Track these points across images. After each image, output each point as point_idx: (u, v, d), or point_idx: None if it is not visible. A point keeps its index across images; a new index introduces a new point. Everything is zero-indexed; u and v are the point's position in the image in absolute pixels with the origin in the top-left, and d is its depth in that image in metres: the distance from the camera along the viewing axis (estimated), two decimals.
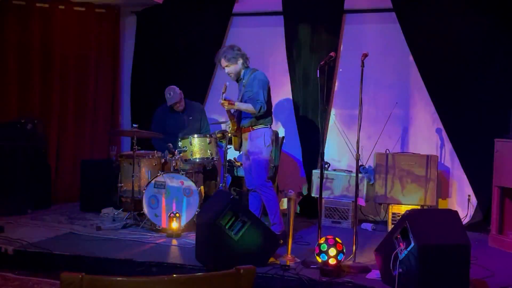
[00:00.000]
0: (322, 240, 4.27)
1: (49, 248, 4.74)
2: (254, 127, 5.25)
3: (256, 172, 5.23)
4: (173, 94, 6.34)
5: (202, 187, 6.06)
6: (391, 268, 3.90)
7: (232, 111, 5.30)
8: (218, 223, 4.26)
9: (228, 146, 5.90)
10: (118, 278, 1.65)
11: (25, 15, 6.98)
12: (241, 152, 5.47)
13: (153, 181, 5.58)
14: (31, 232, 5.36)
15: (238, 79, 5.42)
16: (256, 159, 5.22)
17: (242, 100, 5.26)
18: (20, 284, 4.25)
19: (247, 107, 5.17)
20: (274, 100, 5.56)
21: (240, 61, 5.31)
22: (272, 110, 5.47)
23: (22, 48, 6.97)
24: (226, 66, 5.34)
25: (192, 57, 7.24)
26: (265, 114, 5.24)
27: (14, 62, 6.91)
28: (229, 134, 5.38)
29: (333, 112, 6.85)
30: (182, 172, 5.64)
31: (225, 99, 5.04)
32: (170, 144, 5.93)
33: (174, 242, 5.19)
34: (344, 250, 4.25)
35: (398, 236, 3.92)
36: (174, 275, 1.74)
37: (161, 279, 1.70)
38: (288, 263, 4.36)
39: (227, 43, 7.26)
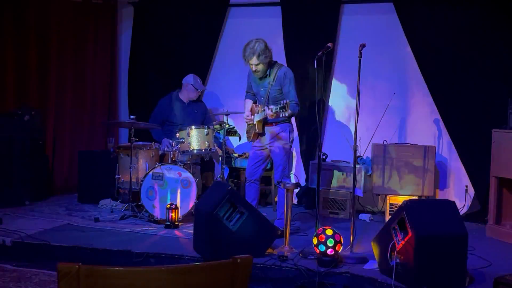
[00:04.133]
0: (319, 231, 4.27)
1: (47, 239, 4.74)
2: (278, 122, 5.18)
3: (281, 166, 5.18)
4: (201, 82, 6.53)
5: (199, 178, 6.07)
6: (388, 258, 3.91)
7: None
8: (216, 214, 4.27)
9: (226, 138, 5.90)
10: (114, 268, 1.66)
11: (22, 6, 6.94)
12: (253, 142, 5.36)
13: (150, 173, 5.57)
14: (29, 224, 5.36)
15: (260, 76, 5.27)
16: (281, 153, 5.18)
17: (269, 97, 5.16)
18: (18, 276, 4.26)
19: (290, 113, 4.93)
20: None
21: (269, 57, 5.13)
22: None
23: (19, 39, 6.93)
24: (257, 64, 5.09)
25: (189, 48, 7.22)
26: None
27: (11, 53, 6.87)
28: (250, 139, 5.35)
29: (330, 103, 6.84)
30: (179, 164, 5.64)
31: (275, 112, 4.78)
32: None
33: (172, 233, 5.20)
34: (342, 241, 4.26)
35: (396, 227, 3.92)
36: (173, 265, 1.74)
37: (158, 269, 1.70)
38: (286, 254, 4.37)
39: (225, 34, 7.25)
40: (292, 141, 5.29)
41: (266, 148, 5.27)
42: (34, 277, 4.23)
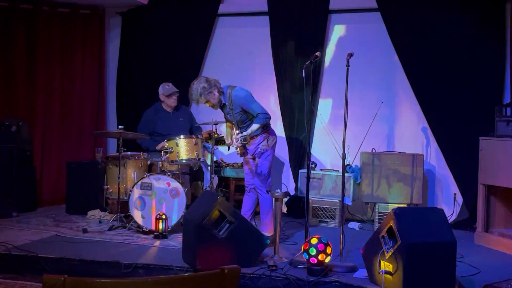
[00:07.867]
0: (309, 240, 4.27)
1: (34, 251, 4.69)
2: (258, 135, 5.22)
3: (258, 172, 5.24)
4: (171, 86, 6.43)
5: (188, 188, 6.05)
6: (378, 266, 3.91)
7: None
8: (205, 224, 4.25)
9: (215, 147, 5.89)
10: (100, 280, 1.64)
11: (9, 17, 6.92)
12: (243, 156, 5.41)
13: (139, 183, 5.55)
14: (16, 235, 5.31)
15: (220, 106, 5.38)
16: (260, 159, 5.23)
17: (236, 121, 5.23)
18: None
19: (255, 129, 5.12)
20: (261, 101, 5.52)
21: (216, 90, 5.20)
22: None
23: (6, 49, 6.91)
24: (207, 102, 5.24)
25: (177, 58, 7.22)
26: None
27: None
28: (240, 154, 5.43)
29: (319, 112, 6.86)
30: (168, 173, 5.62)
31: (243, 140, 5.01)
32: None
33: (161, 243, 5.17)
34: (331, 250, 4.25)
35: (385, 235, 3.93)
36: (160, 277, 1.73)
37: (144, 280, 1.69)
38: (275, 263, 4.36)
39: (213, 43, 7.27)
40: (273, 145, 5.29)
41: (255, 157, 5.30)
42: None
